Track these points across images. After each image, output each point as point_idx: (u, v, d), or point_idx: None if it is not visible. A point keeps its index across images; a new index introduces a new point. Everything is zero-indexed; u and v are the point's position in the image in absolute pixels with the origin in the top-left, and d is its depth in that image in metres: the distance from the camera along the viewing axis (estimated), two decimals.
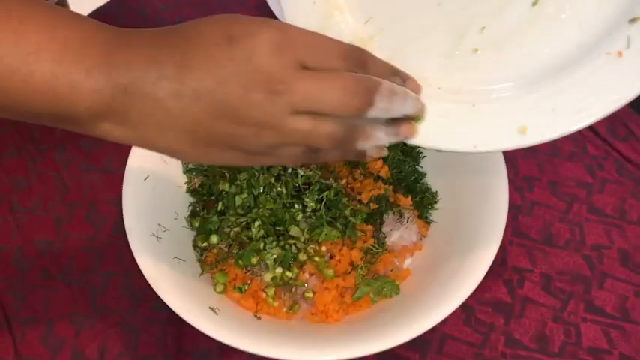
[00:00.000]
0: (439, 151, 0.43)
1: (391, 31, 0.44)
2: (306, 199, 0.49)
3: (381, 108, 0.35)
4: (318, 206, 0.50)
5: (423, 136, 0.41)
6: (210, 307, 0.52)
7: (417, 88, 0.40)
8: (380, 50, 0.43)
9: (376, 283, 0.55)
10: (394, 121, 0.37)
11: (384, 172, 0.59)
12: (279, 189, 0.48)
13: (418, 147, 0.62)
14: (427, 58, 0.43)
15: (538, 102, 0.41)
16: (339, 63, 0.34)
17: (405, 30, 0.44)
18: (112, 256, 0.65)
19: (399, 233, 0.56)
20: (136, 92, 0.33)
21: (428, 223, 0.61)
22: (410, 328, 0.50)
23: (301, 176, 0.49)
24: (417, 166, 0.63)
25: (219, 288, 0.55)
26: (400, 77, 0.39)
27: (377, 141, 0.37)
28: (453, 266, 0.54)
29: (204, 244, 0.57)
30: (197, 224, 0.59)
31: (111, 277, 0.64)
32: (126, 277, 0.63)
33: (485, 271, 0.52)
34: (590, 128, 0.74)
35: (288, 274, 0.55)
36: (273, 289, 0.55)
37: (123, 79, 0.33)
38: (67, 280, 0.64)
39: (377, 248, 0.55)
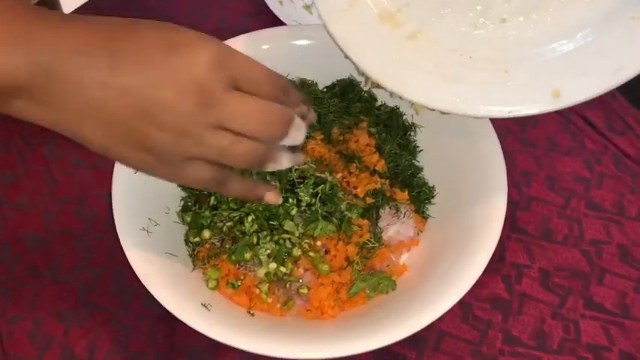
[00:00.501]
0: (476, 117, 0.45)
1: (418, 2, 0.45)
2: (301, 193, 0.48)
3: (291, 138, 0.39)
4: (313, 200, 0.48)
5: (462, 105, 0.44)
6: (202, 304, 0.50)
7: (314, 119, 0.44)
8: (407, 22, 0.44)
9: (372, 279, 0.54)
10: (292, 149, 0.41)
11: (381, 165, 0.58)
12: (273, 183, 0.47)
13: (415, 142, 0.62)
14: (455, 29, 0.45)
15: (569, 65, 0.43)
16: (267, 89, 0.37)
17: (431, 2, 0.45)
18: (102, 252, 0.63)
19: (395, 228, 0.55)
20: (58, 75, 0.34)
21: (425, 217, 0.59)
22: (406, 325, 0.49)
23: (295, 169, 0.48)
24: (413, 160, 0.62)
25: (212, 284, 0.54)
26: (307, 107, 0.43)
27: (281, 165, 0.41)
28: (451, 262, 0.53)
29: (197, 239, 0.56)
30: (189, 219, 0.57)
31: (101, 273, 0.62)
32: (116, 274, 0.62)
33: (482, 268, 0.51)
34: (588, 122, 0.73)
35: (282, 269, 0.54)
36: (267, 284, 0.54)
37: (45, 59, 0.34)
38: (55, 276, 0.62)
39: (373, 243, 0.54)
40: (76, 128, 0.36)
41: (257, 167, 0.39)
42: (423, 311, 0.50)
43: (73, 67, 0.34)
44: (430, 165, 0.62)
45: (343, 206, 0.52)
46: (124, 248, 0.52)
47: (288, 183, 0.50)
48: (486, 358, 0.58)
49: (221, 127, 0.36)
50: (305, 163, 0.53)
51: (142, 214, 0.55)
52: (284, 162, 0.41)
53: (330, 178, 0.49)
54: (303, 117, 0.41)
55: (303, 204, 0.50)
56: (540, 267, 0.63)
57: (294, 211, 0.51)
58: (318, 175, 0.50)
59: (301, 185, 0.48)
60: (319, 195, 0.50)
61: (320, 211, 0.50)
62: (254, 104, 0.36)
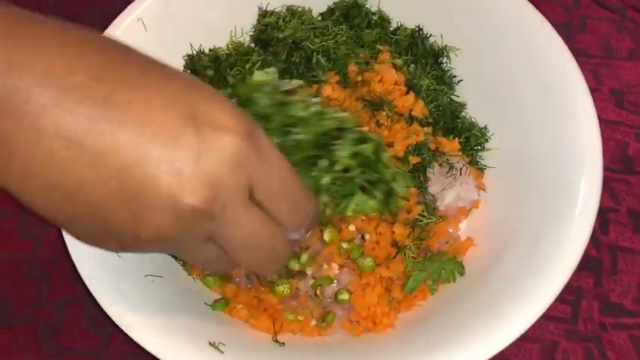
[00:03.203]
0: None
1: None
2: (339, 152, 0.33)
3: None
4: (352, 163, 0.33)
5: None
6: (210, 343, 0.36)
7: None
8: None
9: (433, 266, 0.40)
10: None
11: (419, 109, 0.43)
12: (297, 136, 0.31)
13: (451, 71, 0.46)
14: None
15: None
16: (285, 214, 0.29)
17: None
18: (62, 277, 0.49)
19: (454, 192, 0.40)
20: (10, 104, 0.24)
21: (481, 169, 0.45)
22: (504, 327, 0.35)
23: (334, 118, 0.32)
24: (452, 96, 0.47)
25: (218, 306, 0.39)
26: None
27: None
28: (535, 226, 0.39)
29: None
30: None
31: (66, 306, 0.48)
32: (86, 304, 0.47)
33: (589, 230, 0.37)
34: None
35: (294, 264, 0.39)
36: (287, 284, 0.39)
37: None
38: (5, 319, 0.48)
39: (428, 218, 0.39)
40: (14, 187, 0.26)
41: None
42: (517, 304, 0.36)
43: (36, 100, 0.24)
44: (474, 99, 0.47)
45: (389, 174, 0.36)
46: (86, 281, 0.37)
47: (322, 135, 0.33)
48: (586, 338, 0.45)
49: (212, 240, 0.28)
50: (345, 110, 0.37)
51: None
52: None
53: (373, 135, 0.34)
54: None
55: (338, 169, 0.34)
56: (629, 209, 0.49)
57: (326, 179, 0.35)
58: (359, 129, 0.34)
59: (340, 140, 0.33)
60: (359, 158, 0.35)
61: (358, 180, 0.34)
62: (260, 237, 0.28)
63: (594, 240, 0.48)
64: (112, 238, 0.27)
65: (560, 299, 0.45)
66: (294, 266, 0.40)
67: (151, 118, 0.25)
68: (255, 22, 0.49)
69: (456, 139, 0.43)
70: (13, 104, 0.24)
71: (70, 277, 0.49)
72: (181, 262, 0.42)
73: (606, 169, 0.50)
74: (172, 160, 0.25)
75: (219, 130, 0.25)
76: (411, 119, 0.42)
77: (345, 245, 0.40)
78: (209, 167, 0.25)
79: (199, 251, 0.28)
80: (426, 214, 0.40)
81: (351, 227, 0.40)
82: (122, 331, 0.46)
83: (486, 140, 0.45)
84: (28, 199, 0.26)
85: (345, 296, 0.39)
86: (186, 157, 0.25)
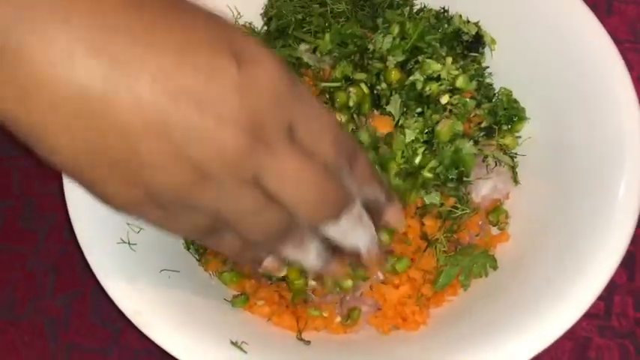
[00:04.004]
0: None
1: None
2: (415, 122, 0.31)
3: (338, 231, 0.29)
4: (421, 139, 0.31)
5: None
6: (232, 342, 0.33)
7: (396, 221, 0.33)
8: None
9: (465, 260, 0.38)
10: (331, 249, 0.30)
11: (463, 81, 0.40)
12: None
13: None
14: None
15: None
16: (328, 149, 0.28)
17: None
18: (68, 271, 0.47)
19: (491, 183, 0.38)
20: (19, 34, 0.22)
21: (512, 157, 0.42)
22: (540, 330, 0.33)
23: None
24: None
25: (238, 302, 0.37)
26: (383, 194, 0.32)
27: (301, 257, 0.30)
28: (570, 224, 0.37)
29: None
30: None
31: (72, 300, 0.46)
32: (94, 297, 0.45)
33: (631, 230, 0.35)
34: None
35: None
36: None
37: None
38: (9, 315, 0.45)
39: (463, 209, 0.37)
40: (37, 129, 0.23)
41: (267, 244, 0.29)
42: (555, 305, 0.34)
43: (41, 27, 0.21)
44: (506, 84, 0.45)
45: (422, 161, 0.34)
46: (98, 277, 0.35)
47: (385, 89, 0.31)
48: (621, 335, 0.43)
49: (254, 182, 0.25)
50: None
51: (115, 217, 0.37)
52: (308, 257, 0.30)
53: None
54: (371, 206, 0.30)
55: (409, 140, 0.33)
56: None
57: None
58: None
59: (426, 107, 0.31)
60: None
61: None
62: (305, 171, 0.26)
63: None
64: (142, 186, 0.25)
65: None
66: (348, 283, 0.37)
67: (187, 51, 0.23)
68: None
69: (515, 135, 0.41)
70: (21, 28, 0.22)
71: (76, 270, 0.47)
72: (197, 257, 0.40)
73: None
74: (212, 95, 0.23)
75: (260, 64, 0.24)
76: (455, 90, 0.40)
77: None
78: (253, 101, 0.24)
79: (244, 196, 0.26)
80: (461, 205, 0.37)
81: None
82: (133, 326, 0.44)
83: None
84: (51, 141, 0.24)
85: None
86: (225, 94, 0.24)
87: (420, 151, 0.37)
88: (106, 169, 0.24)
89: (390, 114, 0.39)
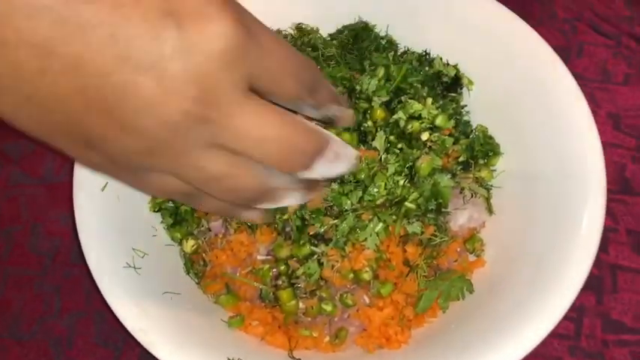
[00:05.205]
0: None
1: None
2: (390, 156, 0.36)
3: (317, 172, 0.29)
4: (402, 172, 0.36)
5: None
6: (228, 359, 0.36)
7: (349, 120, 0.36)
8: None
9: (443, 284, 0.41)
10: (309, 182, 0.31)
11: (442, 120, 0.43)
12: None
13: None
14: None
15: None
16: (290, 86, 0.27)
17: None
18: (73, 293, 0.49)
19: (467, 213, 0.42)
20: None
21: (487, 189, 0.46)
22: (512, 346, 0.36)
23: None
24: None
25: (234, 322, 0.40)
26: (341, 105, 0.33)
27: (280, 204, 0.30)
28: (539, 248, 0.41)
29: (190, 244, 0.42)
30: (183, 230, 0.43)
31: (77, 321, 0.48)
32: (98, 318, 0.48)
33: (593, 255, 0.39)
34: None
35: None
36: (295, 299, 0.40)
37: None
38: (16, 334, 0.48)
39: (441, 237, 0.40)
40: None
41: (245, 205, 0.29)
42: (525, 323, 0.37)
43: None
44: (480, 121, 0.48)
45: (404, 192, 0.37)
46: (107, 299, 0.37)
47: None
48: (590, 355, 0.46)
49: (217, 144, 0.24)
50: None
51: (121, 244, 0.40)
52: (286, 200, 0.30)
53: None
54: (333, 119, 0.32)
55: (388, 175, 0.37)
56: (627, 228, 0.51)
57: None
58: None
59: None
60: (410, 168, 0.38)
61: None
62: (273, 122, 0.25)
63: (596, 259, 0.50)
64: (99, 152, 0.24)
65: (564, 317, 0.47)
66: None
67: (122, 15, 0.21)
68: None
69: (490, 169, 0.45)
70: None
71: (81, 292, 0.49)
72: (197, 280, 0.43)
73: None
74: (153, 62, 0.22)
75: (203, 20, 0.22)
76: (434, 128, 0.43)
77: (365, 275, 0.40)
78: (196, 65, 0.22)
79: (205, 163, 0.25)
80: (440, 233, 0.41)
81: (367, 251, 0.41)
82: (133, 347, 0.46)
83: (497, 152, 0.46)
84: (8, 116, 0.24)
85: (349, 301, 0.40)
86: (169, 57, 0.21)
87: (401, 183, 0.40)
88: (63, 138, 0.24)
89: (375, 149, 0.43)
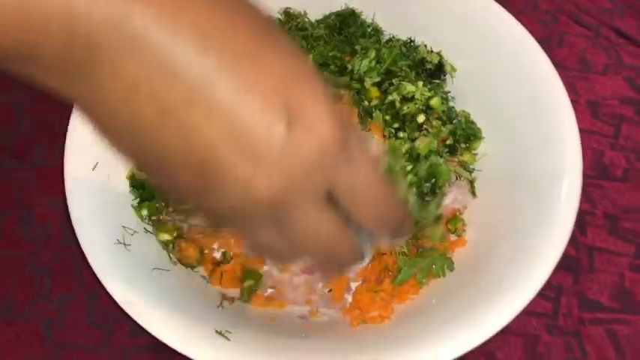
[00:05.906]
0: None
1: None
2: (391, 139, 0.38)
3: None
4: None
5: None
6: (217, 331, 0.37)
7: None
8: None
9: (423, 262, 0.42)
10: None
11: (436, 101, 0.44)
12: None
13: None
14: None
15: None
16: (371, 221, 0.29)
17: None
18: (64, 275, 0.50)
19: (452, 195, 0.43)
20: (127, 37, 0.22)
21: (470, 172, 0.47)
22: (489, 319, 0.37)
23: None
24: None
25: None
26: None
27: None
28: (518, 229, 0.42)
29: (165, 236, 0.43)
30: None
31: (67, 302, 0.49)
32: (88, 300, 0.48)
33: (569, 232, 0.40)
34: (621, 34, 0.62)
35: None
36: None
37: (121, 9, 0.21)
38: (7, 316, 0.48)
39: (423, 218, 0.42)
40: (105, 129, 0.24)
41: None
42: (501, 299, 0.38)
43: (154, 36, 0.22)
44: (463, 107, 0.50)
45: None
46: (97, 274, 0.38)
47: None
48: (567, 333, 0.47)
49: (274, 225, 0.27)
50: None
51: (112, 222, 0.41)
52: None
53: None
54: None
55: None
56: (604, 212, 0.52)
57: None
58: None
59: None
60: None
61: None
62: (321, 237, 0.27)
63: (573, 241, 0.51)
64: (188, 200, 0.27)
65: (542, 296, 0.48)
66: None
67: (247, 102, 0.23)
68: None
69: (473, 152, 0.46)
70: (133, 33, 0.22)
71: (72, 274, 0.50)
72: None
73: (583, 175, 0.53)
74: (257, 150, 0.23)
75: (310, 130, 0.24)
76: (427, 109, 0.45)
77: None
78: (290, 163, 0.24)
79: (258, 233, 0.27)
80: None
81: None
82: (123, 327, 0.47)
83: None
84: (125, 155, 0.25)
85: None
86: (272, 149, 0.24)
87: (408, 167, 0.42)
88: (162, 185, 0.27)
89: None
